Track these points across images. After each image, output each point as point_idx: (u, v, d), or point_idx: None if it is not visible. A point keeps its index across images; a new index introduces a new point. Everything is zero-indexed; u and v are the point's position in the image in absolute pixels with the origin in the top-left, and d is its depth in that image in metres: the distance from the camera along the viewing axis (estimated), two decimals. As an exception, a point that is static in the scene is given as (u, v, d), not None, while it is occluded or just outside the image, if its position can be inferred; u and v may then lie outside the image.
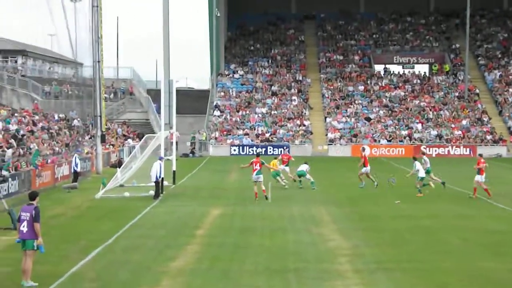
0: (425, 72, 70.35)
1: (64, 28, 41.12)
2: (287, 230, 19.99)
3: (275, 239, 18.41)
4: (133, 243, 17.71)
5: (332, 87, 65.62)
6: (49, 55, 72.37)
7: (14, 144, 32.49)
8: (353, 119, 60.25)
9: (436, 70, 69.19)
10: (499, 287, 13.81)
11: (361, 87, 65.38)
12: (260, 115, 61.21)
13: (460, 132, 57.85)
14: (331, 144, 56.93)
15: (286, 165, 32.45)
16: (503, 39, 71.81)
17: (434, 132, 57.89)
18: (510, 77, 66.11)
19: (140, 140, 43.60)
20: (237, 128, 59.04)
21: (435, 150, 55.29)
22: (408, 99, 63.55)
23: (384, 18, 76.24)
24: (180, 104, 46.62)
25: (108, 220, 21.78)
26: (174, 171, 32.12)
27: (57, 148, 36.96)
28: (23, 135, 35.34)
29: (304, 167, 31.05)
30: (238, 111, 61.80)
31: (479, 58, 69.35)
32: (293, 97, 63.87)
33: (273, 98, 63.77)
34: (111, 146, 46.21)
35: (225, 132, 58.34)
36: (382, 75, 68.38)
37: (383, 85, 66.11)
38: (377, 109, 62.09)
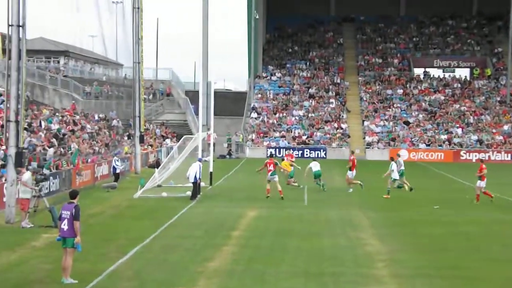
0: (466, 76, 69.26)
1: (105, 30, 41.70)
2: (324, 233, 19.88)
3: (312, 242, 18.32)
4: (170, 243, 17.83)
5: (370, 90, 65.11)
6: (90, 56, 73.53)
7: (56, 143, 33.05)
8: (391, 123, 59.67)
9: (478, 74, 68.03)
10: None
11: (400, 91, 64.72)
12: (297, 117, 61.09)
13: (501, 138, 56.76)
14: (368, 148, 56.46)
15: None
16: (547, 43, 70.23)
17: (474, 137, 56.93)
18: (554, 82, 64.62)
19: (178, 141, 43.97)
20: (274, 130, 59.03)
21: (475, 155, 54.31)
22: (448, 103, 62.65)
23: (424, 21, 75.36)
24: (217, 106, 46.85)
25: (146, 220, 21.99)
26: (211, 173, 32.26)
27: (97, 148, 37.48)
28: (64, 135, 35.93)
29: (318, 166, 30.66)
30: (275, 113, 61.79)
31: (522, 62, 67.95)
32: (331, 100, 63.56)
33: (310, 101, 63.58)
34: (149, 147, 46.66)
35: (261, 134, 58.38)
36: (422, 79, 67.58)
37: (423, 88, 65.33)
38: (416, 113, 61.37)
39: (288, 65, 69.86)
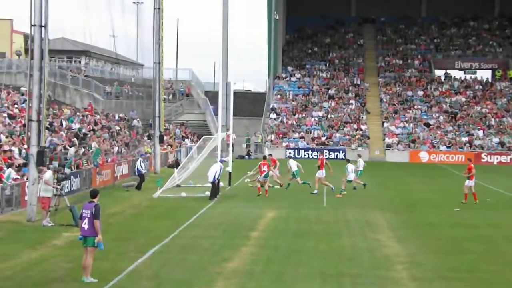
0: (487, 78, 68.64)
1: (126, 30, 42.02)
2: (342, 235, 19.85)
3: (330, 243, 18.29)
4: (189, 243, 17.91)
5: (390, 92, 64.80)
6: (111, 56, 74.02)
7: (76, 142, 33.35)
8: (411, 124, 59.32)
9: (500, 76, 67.39)
10: None
11: (421, 92, 64.32)
12: (316, 118, 60.98)
13: (523, 140, 56.17)
14: (388, 149, 56.19)
15: (274, 167, 32.33)
16: None
17: (495, 140, 56.37)
18: None
19: (197, 141, 44.12)
20: (293, 131, 58.98)
21: (497, 158, 53.86)
22: (470, 105, 62.13)
23: (445, 22, 74.82)
24: (236, 106, 46.89)
25: (165, 219, 22.11)
26: (230, 173, 32.32)
27: (117, 148, 37.74)
28: (85, 134, 36.24)
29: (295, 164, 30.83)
30: (294, 114, 61.74)
31: (545, 64, 67.25)
32: (350, 101, 63.36)
33: (330, 102, 63.44)
34: (169, 147, 46.88)
35: (280, 135, 58.38)
36: (443, 80, 67.09)
37: (444, 90, 64.85)
38: (436, 114, 60.95)
39: (307, 66, 69.77)
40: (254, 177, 31.72)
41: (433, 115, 60.85)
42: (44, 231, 19.33)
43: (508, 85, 65.29)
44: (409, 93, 64.37)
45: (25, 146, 25.16)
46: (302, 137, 57.63)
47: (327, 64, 69.95)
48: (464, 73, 69.43)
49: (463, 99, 63.17)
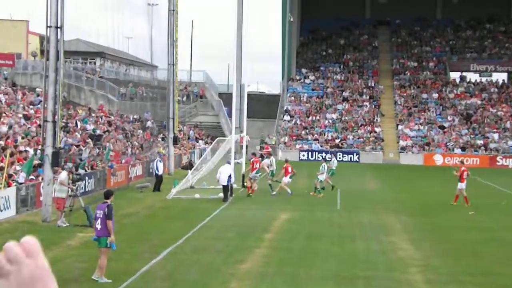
0: (503, 80, 68.14)
1: (141, 31, 42.17)
2: (356, 237, 19.78)
3: (344, 246, 18.24)
4: (203, 244, 17.93)
5: (405, 94, 64.52)
6: (126, 57, 74.31)
7: (91, 143, 33.51)
8: (426, 127, 59.02)
9: (515, 78, 66.90)
10: None
11: (435, 95, 63.99)
12: (330, 120, 60.86)
13: (539, 143, 55.71)
14: (402, 152, 55.94)
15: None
16: None
17: (511, 143, 55.95)
18: None
19: (211, 142, 44.17)
20: (307, 133, 58.89)
21: (512, 161, 53.43)
22: (485, 108, 61.71)
23: (461, 24, 74.41)
24: (250, 108, 46.96)
25: (179, 221, 22.14)
26: (243, 175, 32.33)
27: (131, 149, 37.87)
28: (99, 135, 36.42)
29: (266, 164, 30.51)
30: (308, 116, 61.65)
31: (562, 67, 66.66)
32: (365, 103, 63.18)
33: (344, 104, 63.28)
34: (182, 148, 46.98)
35: (294, 137, 58.31)
36: (458, 83, 66.72)
37: (459, 93, 64.48)
38: (451, 117, 60.60)
39: (321, 68, 69.64)
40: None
41: (448, 118, 60.51)
42: (59, 232, 19.43)
43: (524, 87, 64.78)
44: (424, 95, 64.07)
45: (40, 147, 25.30)
46: (316, 139, 57.53)
47: (342, 66, 69.81)
48: (480, 76, 68.99)
49: (478, 102, 62.77)
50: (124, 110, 50.40)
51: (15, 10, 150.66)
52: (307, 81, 67.88)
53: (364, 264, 15.94)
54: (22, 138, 28.35)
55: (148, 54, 50.25)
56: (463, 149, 55.43)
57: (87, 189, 27.02)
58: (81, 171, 25.43)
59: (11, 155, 23.38)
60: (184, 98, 61.16)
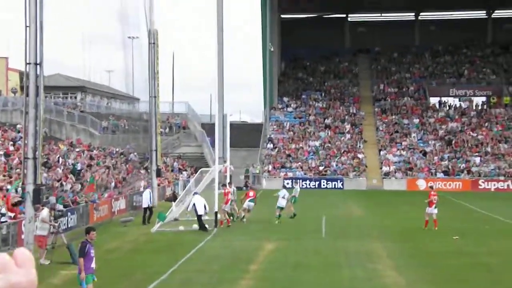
0: (483, 102, 68.86)
1: (122, 65, 42.27)
2: (341, 265, 19.72)
3: (329, 274, 18.18)
4: (188, 277, 17.77)
5: (386, 120, 65.05)
6: (107, 90, 74.32)
7: (73, 178, 33.29)
8: (408, 152, 59.39)
9: (494, 102, 67.73)
10: None
11: (416, 120, 64.56)
12: (313, 148, 61.06)
13: (520, 166, 56.19)
14: (385, 178, 56.15)
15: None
16: None
17: (492, 166, 56.42)
18: None
19: (194, 173, 44.03)
20: (291, 161, 59.00)
21: (494, 185, 53.80)
22: (465, 132, 62.32)
23: (439, 50, 75.51)
24: (233, 138, 46.94)
25: (163, 254, 21.95)
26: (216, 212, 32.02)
27: (113, 182, 37.64)
28: (81, 170, 36.19)
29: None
30: (291, 144, 61.84)
31: (539, 89, 67.63)
32: (347, 130, 63.55)
33: (326, 131, 63.61)
34: (165, 180, 46.79)
35: (278, 165, 58.37)
36: (438, 108, 67.42)
37: (439, 117, 65.13)
38: (433, 142, 61.09)
39: (303, 96, 70.12)
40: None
41: (430, 142, 60.98)
42: (41, 270, 19.14)
43: (503, 111, 65.59)
44: (405, 121, 64.63)
45: (19, 183, 25.06)
46: (299, 167, 57.60)
47: (323, 94, 70.34)
48: (459, 100, 69.80)
49: (459, 126, 63.39)
50: (106, 143, 50.25)
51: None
52: (289, 109, 68.24)
53: (350, 293, 15.88)
54: (4, 176, 28.10)
55: (129, 87, 50.37)
56: (445, 173, 55.78)
57: (69, 225, 26.73)
58: (59, 206, 25.15)
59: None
60: (167, 130, 61.12)
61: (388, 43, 74.99)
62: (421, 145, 60.81)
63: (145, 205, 31.23)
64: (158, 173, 40.23)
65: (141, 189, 39.27)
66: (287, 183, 37.94)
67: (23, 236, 21.58)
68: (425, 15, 79.09)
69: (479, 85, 70.24)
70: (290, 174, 56.69)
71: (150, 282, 16.90)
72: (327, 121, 65.17)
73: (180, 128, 62.79)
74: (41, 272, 18.55)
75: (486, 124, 63.51)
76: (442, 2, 73.92)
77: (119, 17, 39.84)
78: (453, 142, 60.58)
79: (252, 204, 30.84)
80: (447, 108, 67.32)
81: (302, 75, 74.24)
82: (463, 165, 56.64)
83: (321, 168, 57.45)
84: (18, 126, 39.63)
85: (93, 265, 13.40)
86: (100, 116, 56.92)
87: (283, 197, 30.53)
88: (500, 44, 74.66)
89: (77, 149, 42.00)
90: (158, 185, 40.97)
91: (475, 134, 61.68)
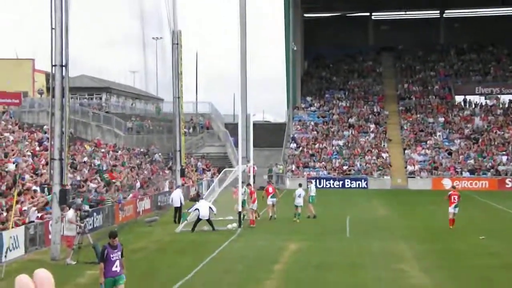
0: (510, 100, 67.93)
1: (146, 65, 42.51)
2: (366, 266, 19.62)
3: (354, 275, 18.10)
4: (213, 278, 17.83)
5: (411, 119, 64.55)
6: (131, 91, 74.84)
7: (98, 179, 33.60)
8: (433, 151, 58.86)
9: (521, 100, 66.79)
10: None
11: (441, 119, 63.96)
12: (337, 147, 60.83)
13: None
14: (410, 177, 55.71)
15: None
16: None
17: (519, 164, 55.67)
18: None
19: (218, 173, 44.10)
20: (314, 161, 58.84)
21: (521, 183, 53.07)
22: (492, 130, 61.55)
23: (464, 48, 74.73)
24: (256, 137, 46.99)
25: (188, 254, 22.04)
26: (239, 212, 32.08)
27: (138, 183, 37.92)
28: (105, 170, 36.51)
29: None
30: (314, 144, 61.68)
31: None
32: (371, 129, 63.20)
33: (350, 130, 63.32)
34: (190, 180, 46.99)
35: (301, 165, 58.26)
36: (463, 106, 66.72)
37: (465, 115, 64.45)
38: (458, 140, 60.47)
39: (327, 95, 69.90)
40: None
41: (455, 141, 60.37)
42: (68, 270, 19.37)
43: (530, 109, 64.68)
44: (430, 119, 64.06)
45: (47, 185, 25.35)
46: (323, 167, 57.44)
47: (346, 93, 70.03)
48: (485, 99, 68.96)
49: (485, 125, 62.66)
50: (131, 144, 50.60)
51: (20, 48, 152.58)
52: (312, 108, 68.06)
53: (375, 294, 15.80)
54: (31, 176, 28.47)
55: (153, 87, 50.64)
56: (471, 172, 55.17)
57: (95, 225, 26.99)
58: (85, 206, 25.41)
59: (19, 194, 23.44)
60: (191, 130, 61.38)
61: (412, 41, 74.43)
62: (446, 144, 60.21)
63: (177, 204, 31.53)
64: (182, 173, 40.41)
65: (166, 189, 39.54)
66: (310, 181, 37.81)
67: (50, 236, 21.83)
68: (449, 13, 78.34)
69: (506, 83, 69.36)
70: (313, 174, 56.53)
71: (175, 282, 16.98)
72: (351, 120, 64.87)
73: (203, 128, 63.01)
74: (68, 272, 18.79)
75: (513, 122, 62.68)
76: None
77: (143, 18, 40.01)
78: (479, 140, 59.91)
79: (274, 199, 31.09)
80: (473, 106, 66.57)
81: (325, 74, 74.00)
82: (490, 163, 55.97)
83: (345, 167, 57.21)
84: (45, 127, 40.10)
85: (114, 268, 13.40)
86: (125, 116, 57.35)
87: (299, 196, 30.53)
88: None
89: (102, 150, 42.37)
90: (182, 185, 41.14)
91: (501, 132, 60.91)
